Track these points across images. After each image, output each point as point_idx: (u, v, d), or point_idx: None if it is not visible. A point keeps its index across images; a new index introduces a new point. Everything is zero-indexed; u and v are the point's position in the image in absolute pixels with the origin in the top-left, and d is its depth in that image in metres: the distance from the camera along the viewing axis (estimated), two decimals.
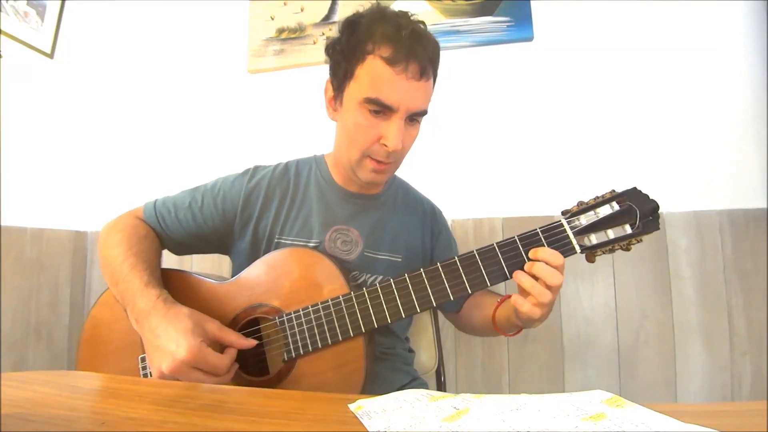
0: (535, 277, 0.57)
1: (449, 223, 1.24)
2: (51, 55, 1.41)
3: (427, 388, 0.82)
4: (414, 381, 0.80)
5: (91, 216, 1.51)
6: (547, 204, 1.21)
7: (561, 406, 0.34)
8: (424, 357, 0.96)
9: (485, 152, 1.27)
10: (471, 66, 1.28)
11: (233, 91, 1.46)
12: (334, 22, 1.38)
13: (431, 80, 0.67)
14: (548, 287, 0.56)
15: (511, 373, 1.19)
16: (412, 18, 0.67)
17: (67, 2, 1.45)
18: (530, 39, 1.26)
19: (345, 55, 0.67)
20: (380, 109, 0.64)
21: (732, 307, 1.09)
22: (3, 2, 1.25)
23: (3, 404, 0.40)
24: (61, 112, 1.46)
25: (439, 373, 1.00)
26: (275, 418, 0.39)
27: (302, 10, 1.41)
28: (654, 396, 1.11)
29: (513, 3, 1.27)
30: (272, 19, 1.43)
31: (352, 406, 0.40)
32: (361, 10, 0.69)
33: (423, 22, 0.67)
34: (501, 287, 1.15)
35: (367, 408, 0.39)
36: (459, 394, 0.42)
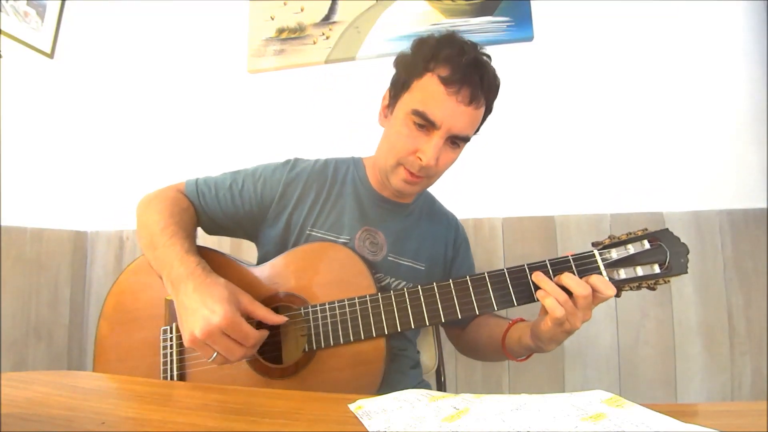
0: (569, 293, 0.57)
1: None
2: (51, 55, 1.41)
3: (429, 389, 0.82)
4: (419, 385, 0.80)
5: (91, 216, 1.51)
6: (547, 204, 1.21)
7: (561, 406, 0.34)
8: (424, 357, 0.96)
9: (485, 152, 1.26)
10: None
11: (233, 91, 1.46)
12: (334, 23, 1.38)
13: (481, 109, 0.69)
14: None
15: (511, 373, 1.19)
16: (478, 47, 0.69)
17: (67, 2, 1.45)
18: (530, 39, 1.26)
19: (407, 69, 0.70)
20: (424, 123, 0.66)
21: (732, 307, 1.09)
22: (3, 2, 1.25)
23: (3, 404, 0.40)
24: (61, 112, 1.46)
25: (439, 373, 1.00)
26: (275, 418, 0.39)
27: (302, 10, 1.41)
28: (654, 396, 1.11)
29: (513, 3, 1.27)
30: (272, 19, 1.43)
31: (352, 406, 0.40)
32: (436, 35, 0.72)
33: (488, 56, 0.70)
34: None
35: (367, 408, 0.39)
36: (459, 394, 0.42)
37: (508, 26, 1.27)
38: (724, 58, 1.15)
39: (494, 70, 0.70)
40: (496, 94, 0.72)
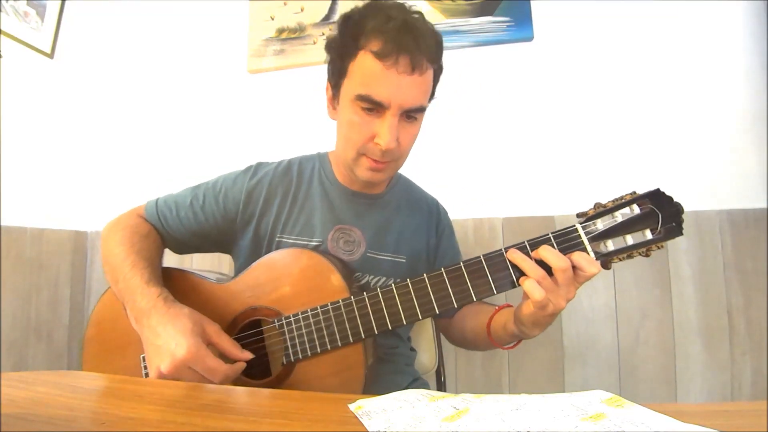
0: (549, 272, 0.53)
1: None
2: (51, 55, 1.41)
3: (427, 388, 0.81)
4: (416, 381, 0.79)
5: (91, 216, 1.51)
6: (547, 204, 1.21)
7: (561, 406, 0.34)
8: (424, 357, 0.96)
9: (485, 152, 1.26)
10: (471, 66, 1.28)
11: (233, 91, 1.46)
12: (334, 22, 1.38)
13: (428, 73, 0.64)
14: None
15: (511, 373, 1.19)
16: (407, 8, 0.64)
17: (67, 2, 1.45)
18: (530, 39, 1.26)
19: (339, 52, 0.65)
20: (372, 106, 0.62)
21: (732, 307, 1.09)
22: (3, 2, 1.25)
23: (3, 404, 0.40)
24: (61, 112, 1.46)
25: (439, 373, 1.00)
26: (275, 418, 0.39)
27: (302, 10, 1.41)
28: (654, 396, 1.11)
29: (513, 3, 1.27)
30: (272, 19, 1.43)
31: (352, 406, 0.40)
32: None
33: (419, 12, 0.64)
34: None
35: (367, 408, 0.39)
36: (459, 394, 0.42)
37: (508, 26, 1.27)
38: (724, 58, 1.15)
39: (430, 27, 0.64)
40: (440, 50, 0.66)
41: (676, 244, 1.12)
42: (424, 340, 0.97)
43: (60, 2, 1.43)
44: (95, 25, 1.55)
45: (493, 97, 1.27)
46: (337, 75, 0.67)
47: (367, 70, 0.61)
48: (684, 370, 1.10)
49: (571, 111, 1.23)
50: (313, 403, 0.44)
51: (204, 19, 1.50)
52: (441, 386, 1.00)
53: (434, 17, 1.31)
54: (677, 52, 1.18)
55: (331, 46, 0.68)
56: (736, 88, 1.14)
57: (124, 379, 0.53)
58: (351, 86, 0.64)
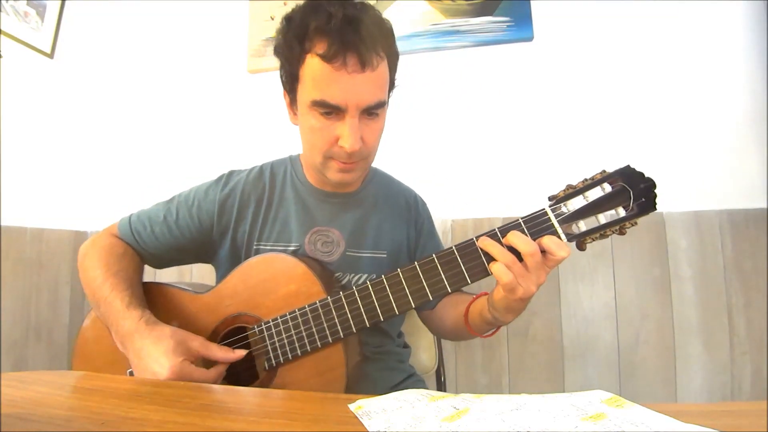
0: (519, 258, 0.53)
1: (449, 223, 1.24)
2: (51, 55, 1.41)
3: (424, 384, 0.81)
4: (410, 378, 0.79)
5: (91, 216, 1.51)
6: (547, 204, 1.21)
7: (561, 406, 0.34)
8: (424, 357, 0.96)
9: (485, 152, 1.26)
10: (471, 66, 1.28)
11: (233, 91, 1.46)
12: None
13: (381, 66, 0.62)
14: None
15: (511, 373, 1.19)
16: (347, 1, 0.62)
17: (67, 2, 1.45)
18: (530, 39, 1.26)
19: (287, 57, 0.64)
20: (330, 110, 0.61)
21: (732, 307, 1.09)
22: (3, 2, 1.25)
23: (3, 404, 0.40)
24: (61, 112, 1.46)
25: (439, 373, 1.00)
26: (275, 418, 0.39)
27: None
28: (654, 396, 1.11)
29: (513, 3, 1.27)
30: (272, 19, 1.43)
31: (352, 406, 0.40)
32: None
33: (361, 3, 0.62)
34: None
35: (367, 408, 0.39)
36: (459, 394, 0.42)
37: (508, 26, 1.27)
38: (724, 58, 1.15)
39: (376, 16, 0.62)
40: (390, 38, 0.64)
41: (676, 244, 1.13)
42: (424, 339, 0.97)
43: (60, 2, 1.43)
44: (95, 25, 1.55)
45: (493, 97, 1.27)
46: (290, 81, 0.66)
47: (317, 74, 0.60)
48: (684, 370, 1.10)
49: (570, 111, 1.23)
50: (313, 403, 0.44)
51: (204, 19, 1.50)
52: (441, 386, 1.00)
53: (434, 17, 1.31)
54: (677, 52, 1.18)
55: (278, 51, 0.66)
56: (736, 88, 1.14)
57: (124, 379, 0.53)
58: (305, 92, 0.63)
